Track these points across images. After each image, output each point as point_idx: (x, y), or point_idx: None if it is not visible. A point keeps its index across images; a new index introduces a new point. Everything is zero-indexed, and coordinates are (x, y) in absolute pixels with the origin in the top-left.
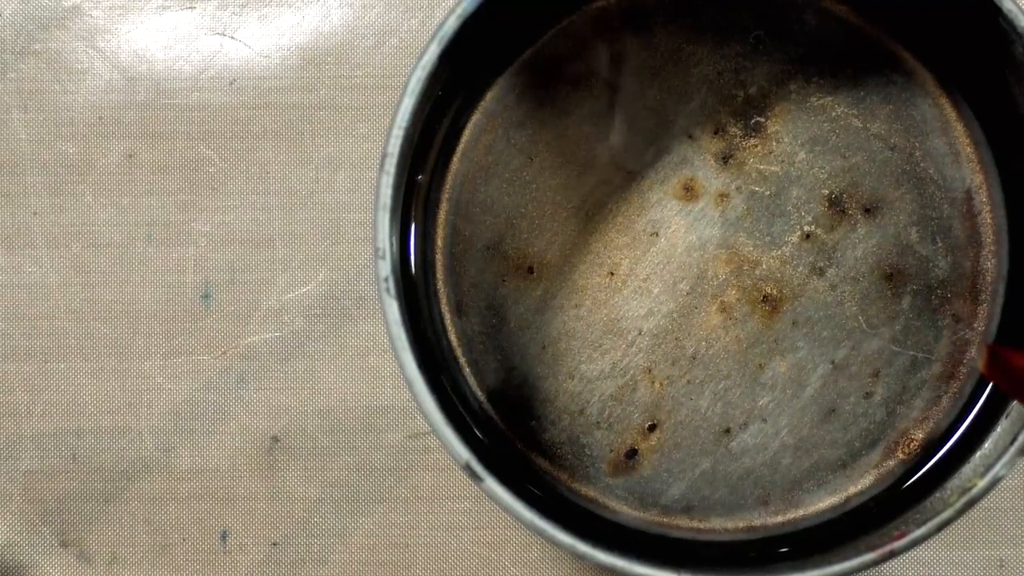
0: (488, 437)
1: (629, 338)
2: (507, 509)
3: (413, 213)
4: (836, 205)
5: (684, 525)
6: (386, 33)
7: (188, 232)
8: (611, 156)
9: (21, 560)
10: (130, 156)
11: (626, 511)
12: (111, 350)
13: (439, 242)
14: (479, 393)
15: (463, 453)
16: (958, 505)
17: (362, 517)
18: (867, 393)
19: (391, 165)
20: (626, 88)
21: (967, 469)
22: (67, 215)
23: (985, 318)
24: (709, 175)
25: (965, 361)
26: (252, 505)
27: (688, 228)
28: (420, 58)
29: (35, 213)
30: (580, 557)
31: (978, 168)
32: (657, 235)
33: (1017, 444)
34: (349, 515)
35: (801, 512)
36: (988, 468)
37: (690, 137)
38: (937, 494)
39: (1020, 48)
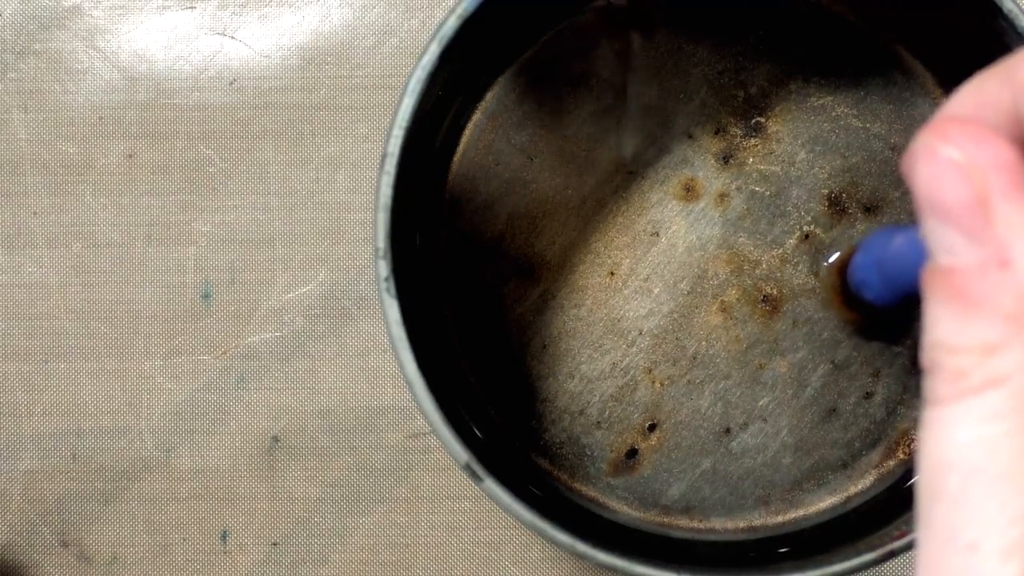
0: (488, 437)
1: (629, 338)
2: (507, 509)
3: (413, 213)
4: (836, 205)
5: (684, 525)
6: (386, 33)
7: (188, 232)
8: (611, 156)
9: (21, 560)
10: (130, 156)
11: (626, 511)
12: (111, 350)
13: (439, 242)
14: (479, 393)
15: (463, 453)
16: None
17: (362, 517)
18: (867, 393)
19: (391, 165)
20: (626, 88)
21: None
22: (67, 215)
23: None
24: (709, 175)
25: None
26: (252, 505)
27: (688, 228)
28: (420, 58)
29: (35, 213)
30: (580, 557)
31: None
32: (657, 235)
33: None
34: (349, 515)
35: (801, 512)
36: None
37: (690, 137)
38: None
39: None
